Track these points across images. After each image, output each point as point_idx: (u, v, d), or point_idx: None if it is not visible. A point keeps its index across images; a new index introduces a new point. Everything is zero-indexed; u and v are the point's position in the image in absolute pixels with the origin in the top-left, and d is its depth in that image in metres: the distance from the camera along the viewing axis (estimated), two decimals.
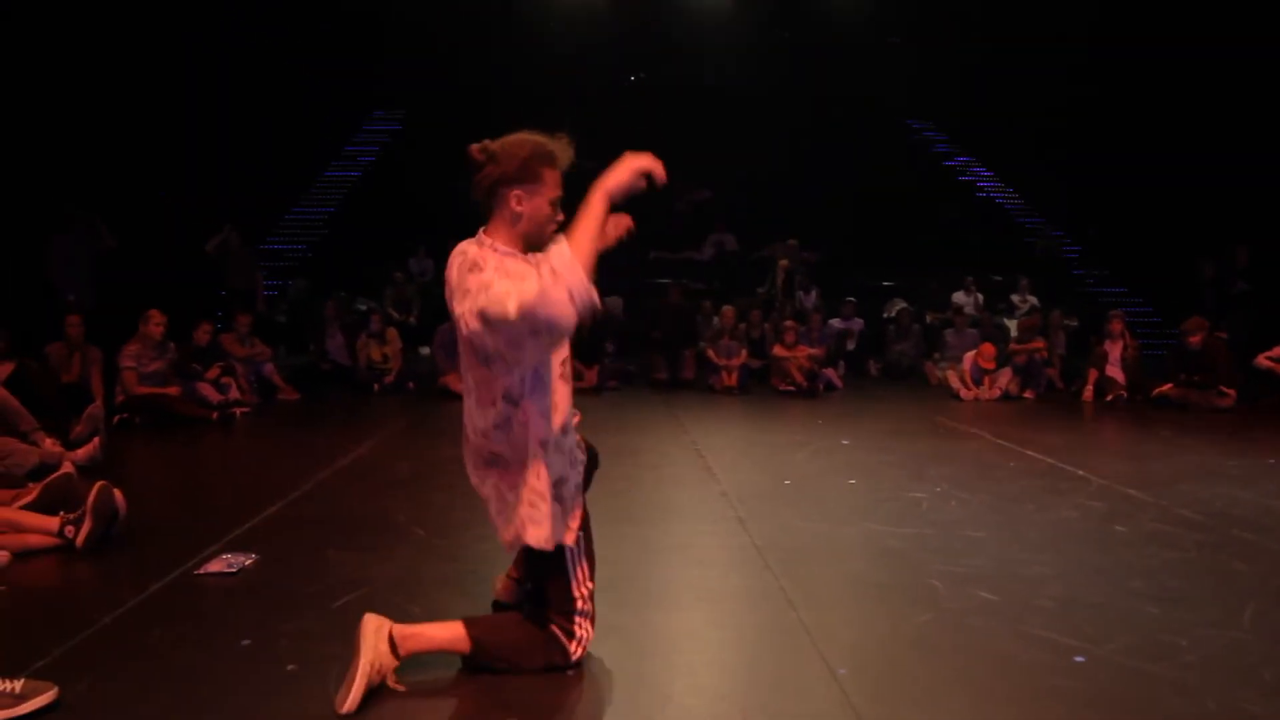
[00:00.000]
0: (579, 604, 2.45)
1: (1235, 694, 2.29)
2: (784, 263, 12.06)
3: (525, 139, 2.38)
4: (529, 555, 2.45)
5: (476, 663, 2.42)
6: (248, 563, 3.32)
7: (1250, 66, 12.37)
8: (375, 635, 2.33)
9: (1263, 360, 8.41)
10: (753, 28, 17.02)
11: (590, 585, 2.50)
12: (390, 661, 2.34)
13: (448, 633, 2.42)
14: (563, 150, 2.41)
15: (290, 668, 2.43)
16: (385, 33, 16.67)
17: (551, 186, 2.40)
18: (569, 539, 2.41)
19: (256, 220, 13.86)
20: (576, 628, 2.44)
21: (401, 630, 2.37)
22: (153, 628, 2.73)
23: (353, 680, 2.23)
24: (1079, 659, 2.50)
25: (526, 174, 2.35)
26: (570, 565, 2.45)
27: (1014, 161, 16.81)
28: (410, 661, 2.39)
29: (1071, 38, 15.04)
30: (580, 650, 2.45)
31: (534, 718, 2.23)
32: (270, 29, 15.21)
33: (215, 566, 3.28)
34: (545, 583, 2.46)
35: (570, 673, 2.43)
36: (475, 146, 2.37)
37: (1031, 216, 16.49)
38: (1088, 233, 15.25)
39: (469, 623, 2.44)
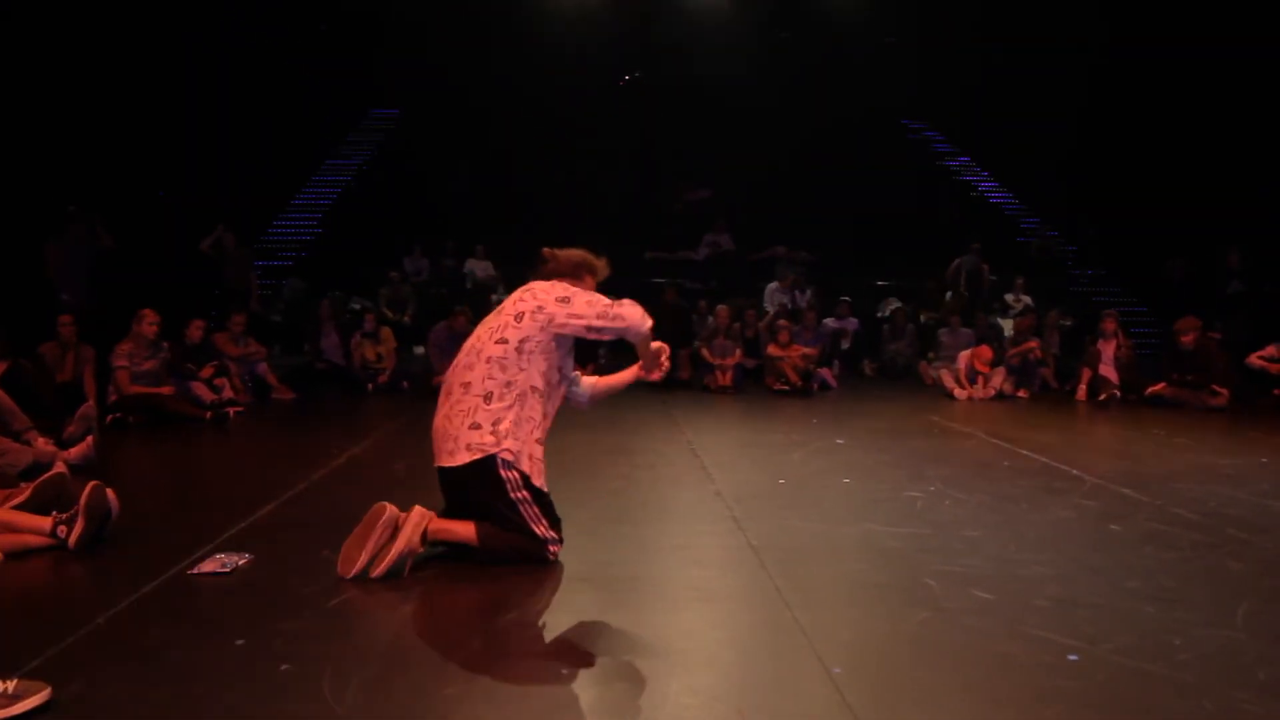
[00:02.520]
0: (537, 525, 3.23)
1: (1232, 693, 2.29)
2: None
3: (578, 253, 3.49)
4: (475, 477, 3.18)
5: (481, 558, 3.19)
6: (242, 562, 3.31)
7: (1248, 67, 12.39)
8: (414, 528, 3.10)
9: (1254, 360, 8.44)
10: (752, 28, 17.02)
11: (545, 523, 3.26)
12: (418, 549, 3.14)
13: (465, 530, 3.19)
14: (602, 268, 3.52)
15: (285, 667, 2.42)
16: (382, 32, 16.65)
17: (589, 287, 3.43)
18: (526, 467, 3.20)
19: (252, 220, 13.85)
20: (550, 534, 3.27)
21: (435, 524, 3.17)
22: (146, 628, 2.72)
23: (386, 556, 3.04)
24: (1072, 657, 2.50)
25: (575, 275, 3.44)
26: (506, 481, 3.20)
27: (1010, 161, 16.84)
28: (410, 660, 2.42)
29: (1070, 38, 15.06)
30: (556, 550, 3.28)
31: (530, 718, 2.22)
32: (268, 29, 15.18)
33: (209, 566, 3.26)
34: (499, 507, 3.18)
35: (565, 671, 2.43)
36: (546, 250, 3.50)
37: (1028, 216, 16.52)
38: (1088, 232, 15.27)
39: (479, 524, 3.20)
